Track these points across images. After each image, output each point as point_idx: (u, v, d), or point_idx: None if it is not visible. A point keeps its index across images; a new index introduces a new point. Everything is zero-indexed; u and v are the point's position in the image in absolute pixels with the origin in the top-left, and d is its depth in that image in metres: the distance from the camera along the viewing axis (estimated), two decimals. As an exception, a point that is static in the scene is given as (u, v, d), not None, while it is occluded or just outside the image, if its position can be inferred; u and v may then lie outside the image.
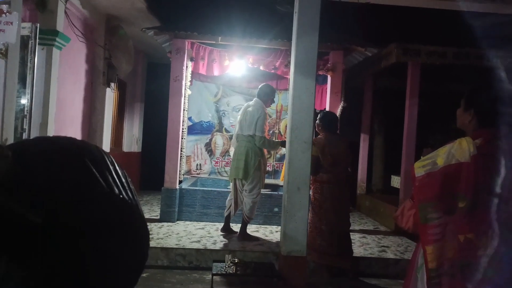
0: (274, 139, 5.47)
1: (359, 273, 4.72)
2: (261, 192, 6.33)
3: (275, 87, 8.12)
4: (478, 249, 1.71)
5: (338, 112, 6.47)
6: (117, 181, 0.57)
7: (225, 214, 5.53)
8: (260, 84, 8.07)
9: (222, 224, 5.73)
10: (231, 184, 5.47)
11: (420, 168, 1.92)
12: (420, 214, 1.87)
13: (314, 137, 4.68)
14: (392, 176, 7.78)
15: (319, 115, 4.89)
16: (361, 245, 5.47)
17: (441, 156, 1.87)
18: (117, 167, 0.59)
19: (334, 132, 4.74)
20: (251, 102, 5.47)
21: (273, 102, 5.65)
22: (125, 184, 0.58)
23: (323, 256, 4.52)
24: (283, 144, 5.51)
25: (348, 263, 4.59)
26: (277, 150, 5.43)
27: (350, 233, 4.80)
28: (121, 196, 0.56)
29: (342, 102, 6.54)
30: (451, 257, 1.76)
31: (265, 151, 5.70)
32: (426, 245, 1.83)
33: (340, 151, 4.65)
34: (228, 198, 5.51)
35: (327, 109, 6.63)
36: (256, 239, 5.36)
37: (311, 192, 4.64)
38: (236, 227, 5.55)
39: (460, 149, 1.84)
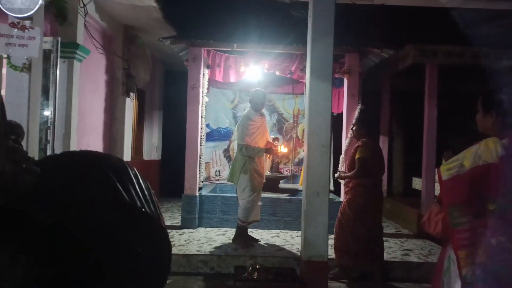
0: (257, 147, 5.24)
1: (386, 278, 4.67)
2: (280, 197, 6.35)
3: (291, 91, 8.16)
4: (510, 253, 1.66)
5: (356, 115, 6.42)
6: (140, 194, 0.59)
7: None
8: (276, 88, 8.14)
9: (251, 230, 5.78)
10: None
11: (446, 171, 1.88)
12: (450, 219, 1.83)
13: (332, 141, 4.66)
14: (413, 178, 7.68)
15: (358, 116, 4.84)
16: (384, 249, 5.40)
17: (468, 158, 1.83)
18: (141, 180, 0.61)
19: (375, 137, 4.77)
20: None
21: (263, 106, 5.55)
22: (148, 197, 0.60)
23: (356, 258, 4.47)
24: (267, 151, 5.47)
25: (378, 267, 4.55)
26: (261, 156, 5.34)
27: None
28: (143, 209, 0.58)
29: (360, 104, 6.49)
30: (484, 261, 1.72)
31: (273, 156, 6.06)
32: (459, 250, 1.79)
33: (382, 156, 4.79)
34: None
35: (345, 112, 6.59)
36: (248, 245, 5.19)
37: (349, 196, 4.58)
38: (256, 233, 5.56)
39: (487, 150, 1.80)
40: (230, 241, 5.43)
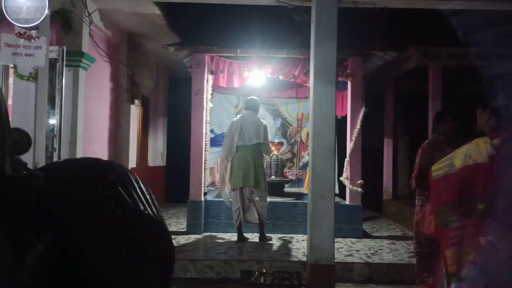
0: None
1: None
2: (286, 201, 6.38)
3: (295, 96, 8.20)
4: (499, 252, 1.67)
5: (360, 118, 6.43)
6: (142, 197, 0.61)
7: (236, 225, 5.65)
8: (280, 93, 8.17)
9: (248, 234, 5.80)
10: (233, 193, 5.61)
11: (437, 171, 1.90)
12: (439, 218, 1.84)
13: (337, 144, 4.64)
14: (418, 180, 7.65)
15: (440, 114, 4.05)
16: (390, 252, 5.39)
17: (459, 158, 1.84)
18: (142, 184, 0.63)
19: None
20: (246, 114, 5.74)
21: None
22: (150, 201, 0.62)
23: None
24: None
25: None
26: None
27: (378, 239, 4.67)
28: (146, 212, 0.59)
29: (364, 107, 6.50)
30: (471, 260, 1.73)
31: None
32: (446, 249, 1.80)
33: None
34: (234, 209, 5.61)
35: (348, 115, 6.59)
36: (270, 238, 5.77)
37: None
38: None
39: (477, 150, 1.81)
40: (236, 246, 5.45)
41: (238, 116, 5.88)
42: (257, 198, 5.52)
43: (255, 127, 5.59)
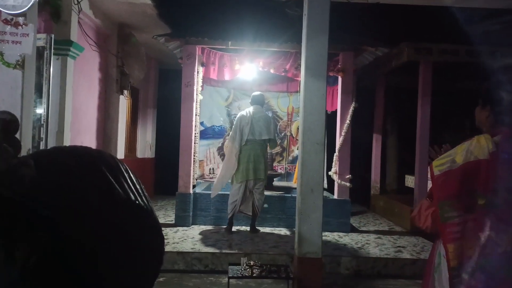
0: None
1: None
2: (274, 195, 6.41)
3: (285, 89, 8.20)
4: (498, 247, 1.70)
5: (349, 113, 6.45)
6: (132, 187, 0.60)
7: (229, 215, 5.74)
8: (270, 86, 8.16)
9: (237, 227, 5.81)
10: (238, 185, 5.64)
11: (438, 167, 1.91)
12: (440, 213, 1.87)
13: (326, 139, 4.65)
14: (406, 175, 7.73)
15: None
16: (377, 246, 5.44)
17: (460, 154, 1.86)
18: (132, 174, 0.62)
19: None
20: (254, 109, 5.79)
21: None
22: (140, 191, 0.61)
23: None
24: None
25: None
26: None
27: (365, 234, 4.74)
28: (137, 202, 0.59)
29: (354, 102, 6.52)
30: (472, 255, 1.75)
31: None
32: (448, 244, 1.83)
33: None
34: (232, 200, 5.67)
35: (339, 110, 6.60)
36: (259, 230, 5.90)
37: None
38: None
39: (478, 146, 1.83)
40: (225, 239, 5.45)
41: (246, 110, 5.92)
42: (257, 190, 5.64)
43: (266, 122, 5.73)
